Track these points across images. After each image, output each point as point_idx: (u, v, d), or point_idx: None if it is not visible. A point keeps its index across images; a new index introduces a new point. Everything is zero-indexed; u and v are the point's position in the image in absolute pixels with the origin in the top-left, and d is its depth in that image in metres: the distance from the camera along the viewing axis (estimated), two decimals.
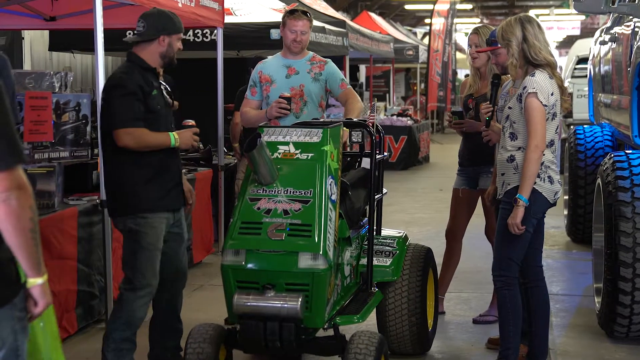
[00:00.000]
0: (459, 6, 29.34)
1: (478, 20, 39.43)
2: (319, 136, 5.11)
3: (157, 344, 5.66)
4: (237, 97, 9.18)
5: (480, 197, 6.78)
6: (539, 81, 5.33)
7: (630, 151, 6.83)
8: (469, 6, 35.48)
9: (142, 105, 5.29)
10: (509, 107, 5.47)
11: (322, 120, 6.20)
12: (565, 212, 10.43)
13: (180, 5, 7.73)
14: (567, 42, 41.73)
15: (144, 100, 5.31)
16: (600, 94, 9.13)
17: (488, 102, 6.15)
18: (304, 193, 4.94)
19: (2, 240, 3.03)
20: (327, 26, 12.83)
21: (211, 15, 8.67)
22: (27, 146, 6.41)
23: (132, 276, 5.36)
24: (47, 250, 6.06)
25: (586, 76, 10.85)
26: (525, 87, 5.35)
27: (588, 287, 7.83)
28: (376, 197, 5.79)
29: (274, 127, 5.40)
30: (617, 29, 8.09)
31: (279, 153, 5.11)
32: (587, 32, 36.38)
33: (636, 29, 6.91)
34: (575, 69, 17.80)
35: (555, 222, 10.65)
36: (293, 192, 4.95)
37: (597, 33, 9.85)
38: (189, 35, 10.90)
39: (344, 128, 5.59)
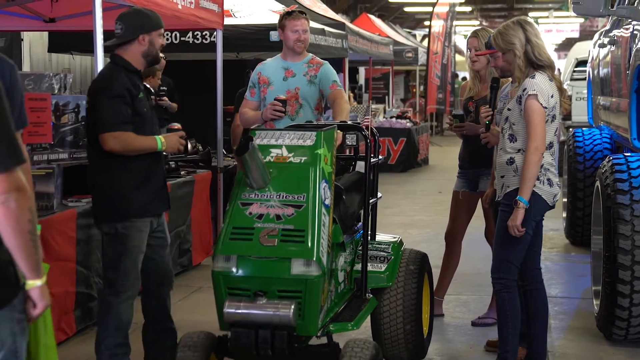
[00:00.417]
0: (458, 9, 29.36)
1: (477, 22, 39.45)
2: (312, 139, 4.99)
3: (154, 345, 5.63)
4: (236, 99, 9.19)
5: (480, 200, 6.78)
6: (539, 83, 5.34)
7: (629, 154, 6.83)
8: (468, 9, 35.51)
9: (130, 109, 5.24)
10: (508, 109, 5.47)
11: (316, 122, 6.15)
12: (564, 215, 10.43)
13: (180, 7, 7.74)
14: (566, 45, 41.75)
15: (131, 103, 5.25)
16: (599, 97, 9.13)
17: (487, 105, 6.15)
18: (297, 197, 4.82)
19: (1, 242, 3.03)
20: (327, 28, 12.84)
21: (211, 17, 8.67)
22: (26, 148, 6.39)
23: (115, 279, 5.31)
24: (46, 252, 6.05)
25: (585, 79, 10.85)
26: (525, 89, 5.35)
27: (587, 290, 7.83)
28: (371, 201, 5.69)
29: (267, 129, 5.30)
30: (616, 32, 8.09)
31: (272, 156, 4.98)
32: (586, 34, 36.40)
33: (635, 32, 6.91)
34: (574, 71, 17.80)
35: (554, 225, 10.65)
36: (286, 197, 4.83)
37: (596, 36, 9.85)
38: (188, 37, 10.92)
39: (338, 131, 5.47)
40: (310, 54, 6.78)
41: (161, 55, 9.99)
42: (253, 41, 11.02)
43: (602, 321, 6.52)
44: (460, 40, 35.99)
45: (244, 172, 4.85)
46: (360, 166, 5.91)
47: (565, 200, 10.27)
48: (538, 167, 5.31)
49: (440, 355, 6.30)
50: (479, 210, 6.94)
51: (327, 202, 4.90)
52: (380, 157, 6.04)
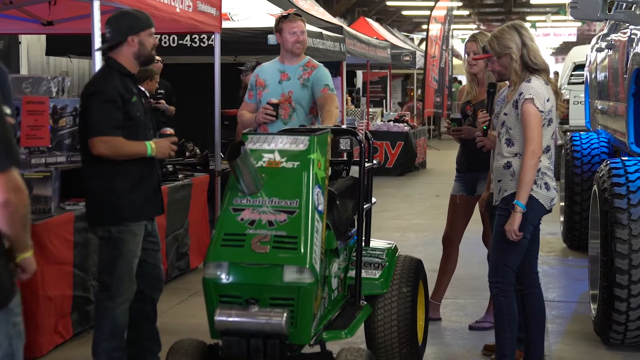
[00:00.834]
0: (456, 12, 29.38)
1: (475, 26, 39.49)
2: (305, 144, 4.90)
3: (140, 349, 5.60)
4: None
5: (477, 204, 6.78)
6: (535, 87, 5.34)
7: (626, 158, 6.84)
8: (465, 12, 35.57)
9: (121, 113, 5.21)
10: (505, 114, 5.47)
11: (309, 127, 6.10)
12: (562, 219, 10.44)
13: (178, 10, 7.74)
14: (564, 49, 41.80)
15: (124, 108, 5.23)
16: (596, 101, 9.14)
17: (484, 110, 6.15)
18: (290, 203, 4.73)
19: None
20: (325, 32, 12.85)
21: (209, 20, 8.67)
22: (24, 151, 6.40)
23: (110, 283, 5.30)
24: (44, 255, 6.05)
25: (583, 83, 10.87)
26: (521, 93, 5.35)
27: (584, 294, 7.83)
28: (365, 206, 5.63)
29: (259, 134, 5.23)
30: (613, 36, 8.10)
31: (264, 161, 4.88)
32: (583, 38, 36.44)
33: (632, 36, 6.92)
34: (571, 75, 17.81)
35: (551, 229, 10.66)
36: (278, 202, 4.74)
37: (594, 40, 9.86)
38: (186, 40, 10.92)
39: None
40: (308, 57, 6.78)
41: (158, 58, 10.02)
42: (251, 44, 11.03)
43: (599, 325, 6.52)
44: (457, 44, 36.02)
45: (235, 177, 4.78)
46: (354, 171, 5.85)
47: (562, 204, 10.27)
48: (535, 171, 5.31)
49: (437, 359, 6.30)
50: (476, 214, 6.93)
51: (321, 207, 4.83)
52: (374, 161, 5.95)
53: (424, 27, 27.12)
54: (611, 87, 7.97)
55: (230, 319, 4.63)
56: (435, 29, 24.02)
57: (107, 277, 5.33)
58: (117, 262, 5.29)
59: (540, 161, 5.36)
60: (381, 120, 20.32)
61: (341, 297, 5.44)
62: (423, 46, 27.93)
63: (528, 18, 36.12)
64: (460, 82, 31.84)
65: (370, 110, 20.62)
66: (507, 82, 5.76)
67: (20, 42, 13.63)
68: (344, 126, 5.74)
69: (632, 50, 6.84)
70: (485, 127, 5.96)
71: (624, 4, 7.71)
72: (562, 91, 16.55)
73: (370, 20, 26.71)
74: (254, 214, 4.75)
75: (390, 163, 18.44)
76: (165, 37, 10.81)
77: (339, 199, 5.35)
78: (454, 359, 6.34)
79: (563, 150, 10.26)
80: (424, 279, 6.07)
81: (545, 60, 5.52)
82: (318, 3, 17.75)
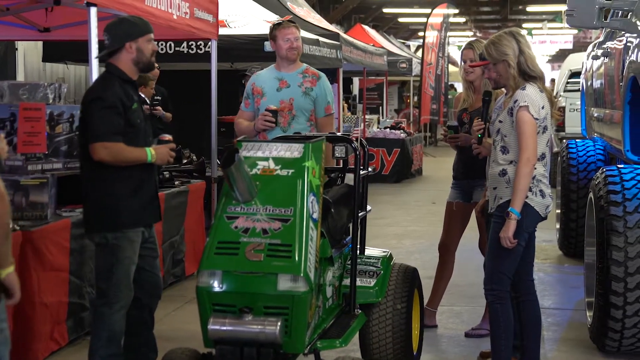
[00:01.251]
0: (452, 19, 29.42)
1: (471, 33, 39.54)
2: (300, 151, 4.88)
3: (136, 356, 5.61)
4: None
5: (474, 210, 6.79)
6: (530, 94, 5.35)
7: (622, 165, 6.85)
8: (462, 19, 35.59)
9: (122, 119, 5.22)
10: (500, 121, 5.49)
11: (304, 134, 6.09)
12: (558, 226, 10.44)
13: (175, 17, 7.75)
14: (560, 56, 41.86)
15: (124, 114, 5.24)
16: (592, 108, 9.16)
17: (479, 118, 6.16)
18: (284, 211, 4.72)
19: None
20: (321, 39, 12.86)
21: (205, 27, 8.68)
22: (21, 157, 6.40)
23: (107, 290, 5.29)
24: (39, 262, 6.05)
25: (579, 90, 10.88)
26: (516, 101, 5.37)
27: (580, 301, 7.83)
28: (360, 214, 5.62)
29: (253, 141, 5.19)
30: (609, 44, 8.12)
31: (258, 169, 4.87)
32: (579, 46, 36.51)
33: (628, 44, 6.94)
34: (567, 82, 17.84)
35: (547, 236, 10.66)
36: (272, 210, 4.73)
37: (590, 47, 9.88)
38: (183, 47, 10.93)
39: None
40: (305, 64, 6.78)
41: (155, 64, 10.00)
42: (247, 51, 11.03)
43: (595, 332, 6.53)
44: (454, 51, 36.05)
45: (229, 184, 4.76)
46: (349, 178, 5.83)
47: (558, 211, 10.28)
48: (529, 178, 5.32)
49: None
50: (472, 221, 6.94)
51: (315, 215, 4.82)
52: (369, 169, 5.93)
53: (421, 34, 27.12)
54: (607, 94, 7.98)
55: (224, 328, 4.62)
56: (431, 36, 24.05)
57: (103, 283, 5.32)
58: (114, 268, 5.28)
59: (536, 168, 5.37)
60: (377, 127, 20.33)
61: (336, 306, 5.43)
62: (419, 53, 27.95)
63: (524, 25, 36.14)
64: (456, 89, 31.91)
65: (367, 117, 20.64)
66: (503, 89, 5.77)
67: (17, 49, 13.62)
68: (339, 134, 5.71)
69: (628, 58, 6.85)
70: (480, 135, 5.97)
71: (620, 12, 7.73)
72: (559, 98, 16.58)
73: (366, 27, 26.73)
74: (248, 221, 4.74)
75: (387, 170, 18.45)
76: (162, 44, 10.81)
77: (334, 206, 5.33)
78: None
79: (559, 158, 10.28)
80: (419, 287, 6.05)
81: (541, 68, 5.53)
82: (315, 10, 17.76)
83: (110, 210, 5.29)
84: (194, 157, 9.82)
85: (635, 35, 6.78)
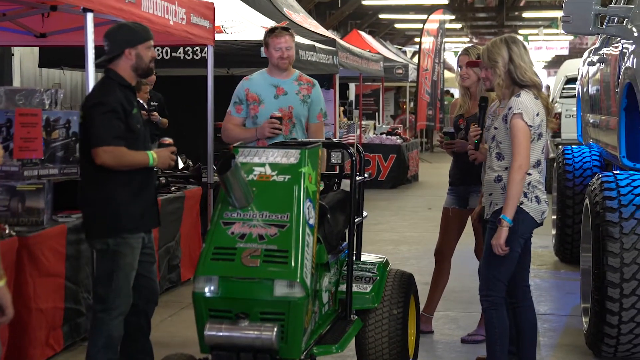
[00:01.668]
0: (448, 25, 29.44)
1: (467, 39, 39.56)
2: (296, 157, 4.89)
3: None
4: None
5: (470, 216, 6.79)
6: (525, 102, 5.37)
7: (618, 172, 6.86)
8: (458, 25, 35.60)
9: (123, 124, 5.24)
10: (495, 128, 5.50)
11: (300, 140, 6.08)
12: (554, 232, 10.45)
13: (171, 23, 7.75)
14: (556, 62, 41.89)
15: (125, 119, 5.25)
16: (588, 115, 9.17)
17: (475, 124, 6.17)
18: (281, 217, 4.72)
19: None
20: (317, 44, 12.86)
21: (202, 33, 8.69)
22: (17, 163, 6.40)
23: (106, 296, 5.29)
24: (35, 268, 6.05)
25: (575, 96, 10.89)
26: (510, 108, 5.38)
27: (576, 307, 7.84)
28: (356, 220, 5.62)
29: (250, 147, 5.19)
30: (605, 50, 8.13)
31: (255, 175, 4.87)
32: (575, 52, 36.55)
33: (624, 50, 6.95)
34: (563, 89, 17.85)
35: (543, 242, 10.67)
36: (269, 216, 4.73)
37: (586, 54, 9.89)
38: (179, 53, 10.91)
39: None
40: (298, 71, 6.76)
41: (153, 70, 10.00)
42: (244, 57, 11.02)
43: (591, 338, 6.53)
44: (450, 57, 36.09)
45: (226, 190, 4.76)
46: (345, 184, 5.84)
47: (554, 217, 10.29)
48: (522, 185, 5.33)
49: None
50: (468, 227, 6.94)
51: (311, 221, 4.82)
52: (365, 175, 5.94)
53: (417, 40, 27.17)
54: (603, 100, 7.99)
55: (220, 334, 4.61)
56: (427, 42, 24.08)
57: (103, 289, 5.32)
58: (114, 275, 5.28)
59: (531, 174, 5.38)
60: (374, 133, 20.34)
61: (332, 312, 5.43)
62: (416, 59, 27.99)
63: (520, 31, 36.17)
64: (452, 95, 31.91)
65: (363, 123, 20.65)
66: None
67: (13, 54, 13.61)
68: (335, 139, 5.71)
69: (623, 64, 6.86)
70: (477, 141, 5.99)
71: (616, 19, 7.75)
72: (555, 104, 16.59)
73: (363, 33, 26.73)
74: (245, 227, 4.74)
75: (383, 176, 18.45)
76: (158, 50, 10.80)
77: (330, 212, 5.34)
78: None
79: (555, 164, 10.28)
80: (415, 292, 6.05)
81: (537, 77, 5.52)
82: (311, 16, 17.77)
83: (111, 215, 5.29)
84: (190, 162, 9.83)
85: (630, 41, 6.79)
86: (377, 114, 25.97)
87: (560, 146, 11.19)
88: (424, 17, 24.86)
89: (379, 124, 22.93)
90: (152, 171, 5.48)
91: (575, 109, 10.89)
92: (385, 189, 17.98)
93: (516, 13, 33.50)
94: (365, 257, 5.93)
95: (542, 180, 5.51)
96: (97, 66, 6.09)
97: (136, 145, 5.32)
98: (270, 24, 12.09)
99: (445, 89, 28.10)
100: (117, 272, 5.28)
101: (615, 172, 6.88)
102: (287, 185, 4.83)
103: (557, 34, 35.88)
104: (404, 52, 35.59)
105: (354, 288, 5.51)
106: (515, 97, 5.39)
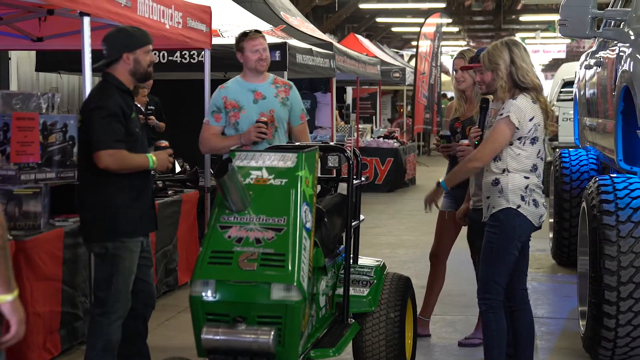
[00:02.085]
0: (445, 29, 29.45)
1: (464, 43, 39.62)
2: (293, 161, 4.88)
3: None
4: None
5: (456, 216, 6.81)
6: (519, 104, 5.38)
7: (615, 175, 6.86)
8: (455, 29, 35.66)
9: (123, 127, 5.24)
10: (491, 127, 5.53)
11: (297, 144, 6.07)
12: (551, 235, 10.45)
13: (167, 27, 7.75)
14: (553, 66, 41.95)
15: (125, 123, 5.26)
16: (585, 118, 9.17)
17: (475, 126, 6.17)
18: (278, 221, 4.71)
19: None
20: (314, 48, 12.87)
21: (198, 36, 8.69)
22: (14, 167, 6.39)
23: (105, 300, 5.29)
24: (32, 272, 6.04)
25: (572, 99, 10.90)
26: (504, 108, 5.40)
27: (573, 310, 7.84)
28: (353, 224, 5.62)
29: (247, 151, 5.18)
30: (602, 53, 8.14)
31: (251, 178, 4.86)
32: (572, 55, 36.57)
33: (621, 54, 6.96)
34: (561, 92, 17.87)
35: (540, 245, 10.66)
36: (266, 220, 4.72)
37: (583, 57, 9.90)
38: (176, 57, 10.91)
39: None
40: (272, 75, 6.70)
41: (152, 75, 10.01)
42: None
43: (588, 342, 6.53)
44: (447, 61, 36.12)
45: (222, 194, 4.76)
46: (342, 188, 5.83)
47: (551, 220, 10.29)
48: (468, 175, 5.71)
49: None
50: (464, 230, 6.94)
51: (308, 225, 4.82)
52: (362, 178, 5.94)
53: (414, 43, 27.17)
54: (600, 104, 8.00)
55: (217, 338, 4.61)
56: (424, 46, 24.08)
57: (102, 293, 5.32)
58: (114, 278, 5.28)
59: (528, 178, 5.39)
60: (371, 137, 20.34)
61: (329, 315, 5.43)
62: (413, 63, 28.00)
63: (517, 35, 36.25)
64: (450, 99, 31.91)
65: (360, 126, 20.65)
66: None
67: (10, 58, 13.61)
68: (332, 143, 5.71)
69: (620, 67, 6.87)
70: (477, 142, 5.99)
71: (613, 22, 7.75)
72: (552, 108, 16.58)
73: (360, 37, 26.75)
74: (242, 231, 4.73)
75: (380, 179, 18.45)
76: (155, 53, 10.79)
77: (327, 216, 5.34)
78: None
79: (552, 167, 10.29)
80: (413, 296, 6.06)
81: (538, 79, 5.52)
82: (308, 19, 17.78)
83: (110, 219, 5.29)
84: (187, 166, 9.82)
85: (627, 44, 6.80)
86: (374, 117, 25.94)
87: (557, 149, 11.20)
88: (421, 20, 24.86)
89: (376, 127, 22.91)
90: (149, 175, 5.49)
91: (572, 112, 10.89)
92: (382, 193, 17.98)
93: (513, 16, 33.55)
94: (362, 260, 5.94)
95: (540, 184, 5.52)
96: (95, 70, 6.09)
97: (135, 149, 5.33)
98: (267, 27, 12.11)
99: (442, 92, 28.10)
100: (117, 275, 5.28)
101: (612, 175, 6.89)
102: (284, 188, 4.82)
103: (554, 37, 35.92)
104: (401, 56, 35.59)
105: (351, 291, 5.51)
106: (512, 99, 5.40)
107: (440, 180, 5.66)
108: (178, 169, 9.54)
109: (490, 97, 5.98)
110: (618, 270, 6.17)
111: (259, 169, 4.91)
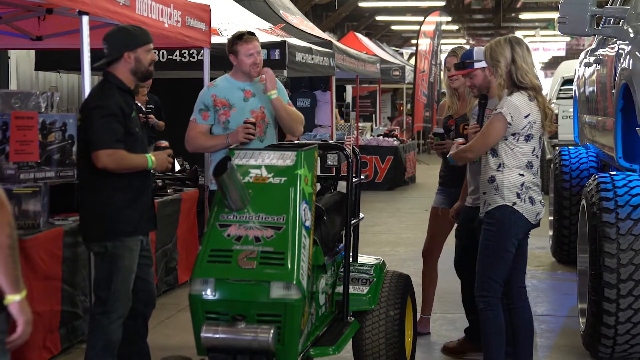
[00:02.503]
0: (445, 27, 29.45)
1: (464, 41, 39.58)
2: (292, 159, 4.88)
3: None
4: None
5: (449, 212, 6.81)
6: (514, 101, 5.38)
7: (614, 172, 6.87)
8: (455, 27, 35.62)
9: (122, 127, 5.24)
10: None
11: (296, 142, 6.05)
12: (550, 233, 10.46)
13: (166, 25, 7.74)
14: (553, 63, 41.90)
15: (124, 122, 5.25)
16: (585, 116, 9.17)
17: (469, 123, 6.17)
18: (277, 219, 4.72)
19: None
20: (314, 47, 12.87)
21: (198, 35, 8.68)
22: (13, 166, 6.39)
23: (106, 299, 5.29)
24: (32, 271, 6.05)
25: (571, 97, 10.90)
26: (500, 105, 5.41)
27: (572, 308, 7.84)
28: (353, 222, 5.62)
29: (246, 149, 5.16)
30: (601, 51, 8.14)
31: (251, 177, 4.87)
32: (572, 53, 36.56)
33: (620, 51, 6.95)
34: (560, 90, 17.86)
35: (540, 243, 10.67)
36: (265, 218, 4.73)
37: (582, 55, 9.90)
38: (176, 55, 10.91)
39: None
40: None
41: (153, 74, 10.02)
42: None
43: (588, 339, 6.53)
44: None
45: (222, 193, 4.76)
46: (342, 186, 5.84)
47: (551, 218, 10.29)
48: (464, 162, 5.82)
49: None
50: None
51: (308, 223, 4.82)
52: (362, 176, 5.94)
53: (413, 41, 27.16)
54: (599, 101, 8.00)
55: (217, 336, 4.61)
56: (424, 44, 24.08)
57: (103, 293, 5.32)
58: (114, 277, 5.28)
59: (523, 176, 5.40)
60: (371, 135, 20.34)
61: (329, 313, 5.43)
62: (412, 61, 27.99)
63: (517, 33, 36.19)
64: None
65: (360, 124, 20.65)
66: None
67: (9, 57, 13.61)
68: (331, 141, 5.70)
69: (619, 65, 6.87)
70: None
71: (612, 19, 7.75)
72: (552, 105, 16.59)
73: (359, 35, 26.73)
74: (241, 229, 4.74)
75: (380, 177, 18.45)
76: (154, 52, 10.80)
77: (327, 214, 5.34)
78: None
79: (552, 165, 10.29)
80: (412, 294, 6.06)
81: (538, 80, 5.51)
82: (307, 18, 17.78)
83: (109, 218, 5.29)
84: (187, 165, 9.82)
85: (627, 42, 6.79)
86: (374, 115, 25.95)
87: (557, 147, 11.19)
88: (421, 19, 24.85)
89: (375, 125, 22.92)
90: (149, 174, 5.49)
91: (572, 110, 10.89)
92: (382, 191, 17.99)
93: (513, 14, 33.52)
94: (362, 258, 5.94)
95: (537, 182, 5.51)
96: (95, 69, 6.08)
97: (135, 149, 5.33)
98: (266, 26, 12.11)
99: (442, 90, 28.11)
100: (116, 275, 5.28)
101: (611, 172, 6.89)
102: (283, 187, 4.83)
103: (553, 35, 35.91)
104: (401, 54, 35.57)
105: (351, 290, 5.51)
106: (507, 97, 5.41)
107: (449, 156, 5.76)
108: (178, 167, 9.54)
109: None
110: (618, 267, 6.17)
111: (258, 167, 4.91)
